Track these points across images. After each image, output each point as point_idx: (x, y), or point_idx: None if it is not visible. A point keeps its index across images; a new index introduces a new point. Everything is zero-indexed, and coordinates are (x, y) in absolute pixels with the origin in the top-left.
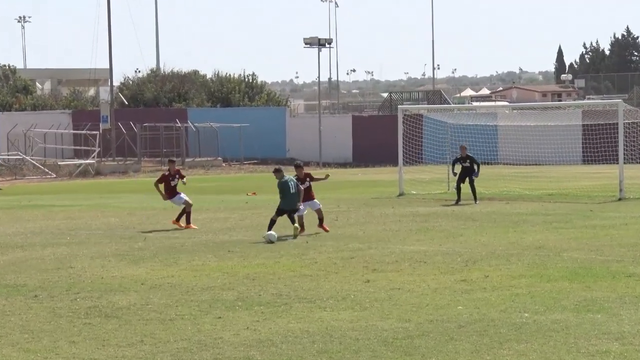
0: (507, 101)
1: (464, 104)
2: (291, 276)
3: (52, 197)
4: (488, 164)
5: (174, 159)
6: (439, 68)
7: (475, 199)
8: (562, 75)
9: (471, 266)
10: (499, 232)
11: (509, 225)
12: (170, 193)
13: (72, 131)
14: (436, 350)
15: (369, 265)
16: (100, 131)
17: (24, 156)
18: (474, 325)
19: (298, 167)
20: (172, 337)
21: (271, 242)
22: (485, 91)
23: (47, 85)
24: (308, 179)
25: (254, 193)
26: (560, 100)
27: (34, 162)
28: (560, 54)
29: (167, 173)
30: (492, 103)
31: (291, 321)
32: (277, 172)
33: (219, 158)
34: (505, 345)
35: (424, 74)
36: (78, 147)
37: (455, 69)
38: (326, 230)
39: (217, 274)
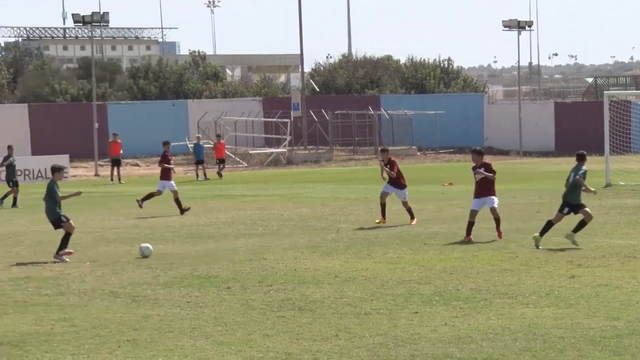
0: None
1: None
2: (491, 270)
3: (244, 186)
4: None
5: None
6: None
7: None
8: None
9: None
10: None
11: None
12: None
13: (262, 119)
14: None
15: (574, 260)
16: (291, 119)
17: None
18: None
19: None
20: (367, 331)
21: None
22: None
23: (237, 72)
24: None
25: (451, 184)
26: None
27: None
28: None
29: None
30: None
31: (491, 317)
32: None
33: (414, 147)
34: None
35: (632, 58)
36: (269, 136)
37: None
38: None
39: (413, 267)
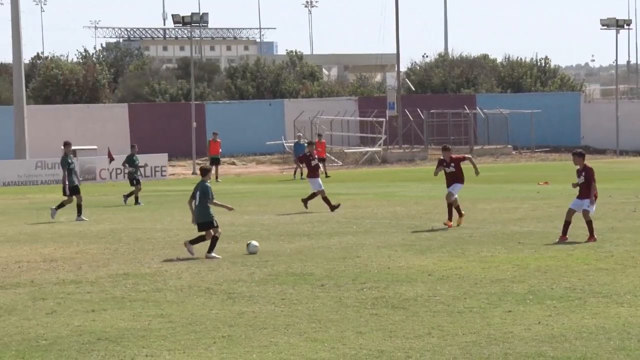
0: None
1: None
2: (585, 269)
3: (339, 185)
4: None
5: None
6: None
7: None
8: None
9: None
10: None
11: None
12: None
13: (358, 118)
14: None
15: None
16: (387, 118)
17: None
18: None
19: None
20: (460, 330)
21: None
22: None
23: (334, 72)
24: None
25: (546, 182)
26: None
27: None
28: None
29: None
30: None
31: (585, 317)
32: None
33: (509, 146)
34: None
35: None
36: (364, 135)
37: None
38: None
39: (507, 266)
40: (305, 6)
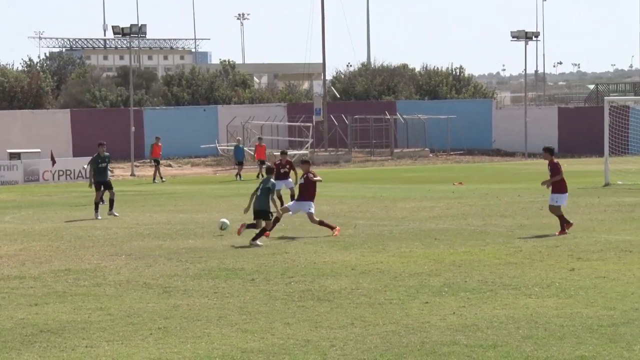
0: None
1: None
2: (496, 264)
3: None
4: None
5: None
6: None
7: None
8: None
9: None
10: None
11: None
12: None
13: (287, 123)
14: None
15: (574, 254)
16: (314, 123)
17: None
18: None
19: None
20: (381, 320)
21: None
22: None
23: (264, 80)
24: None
25: (461, 183)
26: None
27: (251, 152)
28: None
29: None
30: None
31: (496, 307)
32: None
33: (427, 149)
34: None
35: (631, 66)
36: (292, 139)
37: None
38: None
39: (424, 261)
40: (238, 18)
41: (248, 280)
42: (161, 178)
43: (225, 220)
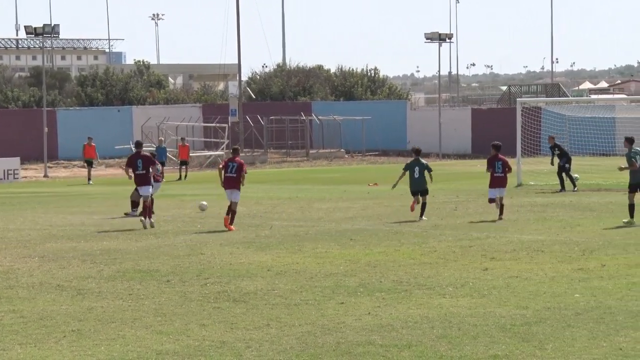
0: (625, 94)
1: (582, 97)
2: (411, 264)
3: (183, 187)
4: (606, 155)
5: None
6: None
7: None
8: None
9: (588, 255)
10: (617, 222)
11: (627, 215)
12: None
13: (202, 124)
14: (553, 337)
15: (487, 254)
16: (229, 124)
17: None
18: (591, 312)
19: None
20: (297, 321)
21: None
22: (603, 84)
23: (179, 80)
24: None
25: (376, 184)
26: None
27: (166, 153)
28: None
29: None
30: (610, 96)
31: (411, 307)
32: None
33: (342, 150)
34: (621, 332)
35: (542, 68)
36: (208, 139)
37: (573, 63)
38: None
39: (340, 261)
40: (152, 19)
41: (163, 282)
42: (89, 180)
43: (204, 202)
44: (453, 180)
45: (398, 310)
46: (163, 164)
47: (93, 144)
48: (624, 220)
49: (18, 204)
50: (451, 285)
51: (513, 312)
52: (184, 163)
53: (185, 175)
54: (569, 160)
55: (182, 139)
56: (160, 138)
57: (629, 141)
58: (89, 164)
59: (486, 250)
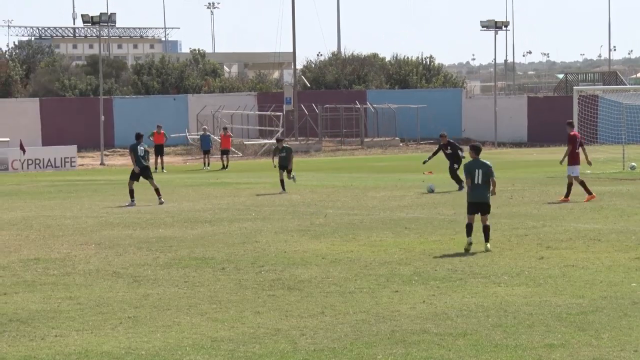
0: None
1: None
2: (466, 252)
3: (238, 175)
4: None
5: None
6: (615, 49)
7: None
8: None
9: None
10: None
11: None
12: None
13: (257, 112)
14: (609, 326)
15: (543, 243)
16: (284, 112)
17: (212, 136)
18: None
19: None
20: (351, 309)
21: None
22: None
23: (234, 69)
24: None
25: (430, 172)
26: None
27: (218, 140)
28: None
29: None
30: None
31: (466, 296)
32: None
33: (397, 138)
34: None
35: (600, 56)
36: (262, 128)
37: (631, 51)
38: None
39: (394, 250)
40: (208, 7)
41: (218, 269)
42: (162, 168)
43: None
44: (509, 169)
45: (453, 298)
46: (208, 152)
47: (162, 132)
48: None
49: (75, 191)
50: (506, 274)
51: (569, 301)
52: (225, 152)
53: (227, 165)
54: (459, 161)
55: (225, 128)
56: (204, 126)
57: None
58: (160, 150)
59: (542, 239)
